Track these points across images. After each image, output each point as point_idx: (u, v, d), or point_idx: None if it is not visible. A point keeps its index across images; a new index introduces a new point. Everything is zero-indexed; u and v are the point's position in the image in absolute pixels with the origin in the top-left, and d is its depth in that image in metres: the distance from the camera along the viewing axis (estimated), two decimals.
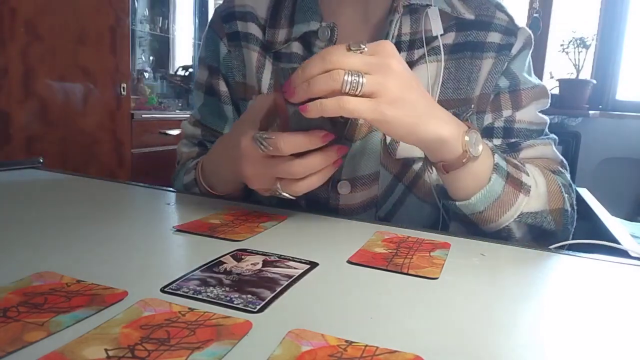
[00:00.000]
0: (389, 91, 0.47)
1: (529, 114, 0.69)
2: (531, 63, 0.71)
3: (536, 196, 0.59)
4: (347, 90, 0.46)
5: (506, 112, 0.68)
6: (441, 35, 0.66)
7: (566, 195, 0.63)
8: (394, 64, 0.48)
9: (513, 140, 0.68)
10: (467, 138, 0.53)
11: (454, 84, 0.67)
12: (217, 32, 0.77)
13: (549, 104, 0.71)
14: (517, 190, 0.57)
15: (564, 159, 0.71)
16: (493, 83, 0.67)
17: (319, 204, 0.69)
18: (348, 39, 0.69)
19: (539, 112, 0.70)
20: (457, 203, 0.57)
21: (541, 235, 0.61)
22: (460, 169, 0.54)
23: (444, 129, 0.51)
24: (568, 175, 0.68)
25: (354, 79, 0.46)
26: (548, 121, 0.71)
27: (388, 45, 0.49)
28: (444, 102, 0.67)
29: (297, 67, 0.49)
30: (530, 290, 0.42)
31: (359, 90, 0.46)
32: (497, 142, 0.69)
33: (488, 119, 0.69)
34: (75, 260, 0.42)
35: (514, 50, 0.68)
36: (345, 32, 0.70)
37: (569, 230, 0.64)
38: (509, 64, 0.68)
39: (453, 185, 0.57)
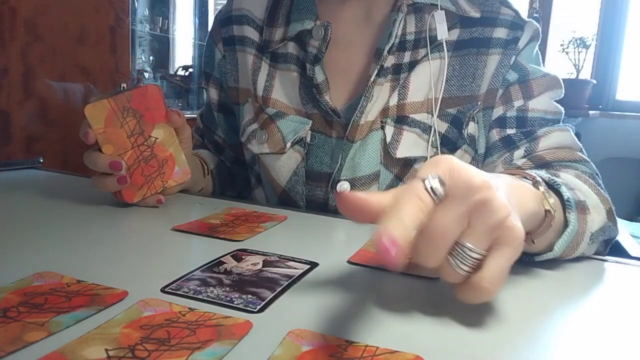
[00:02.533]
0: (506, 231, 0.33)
1: (543, 103, 0.66)
2: (539, 54, 0.70)
3: (593, 207, 0.50)
4: (461, 268, 0.33)
5: (517, 103, 0.66)
6: (447, 36, 0.65)
7: (601, 189, 0.56)
8: (485, 194, 0.32)
9: (527, 129, 0.65)
10: (543, 194, 0.42)
11: (458, 81, 0.67)
12: (214, 37, 0.80)
13: (563, 94, 0.68)
14: (584, 214, 0.48)
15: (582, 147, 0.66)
16: (500, 78, 0.66)
17: (319, 204, 0.69)
18: (347, 37, 0.70)
19: (554, 101, 0.67)
20: (536, 258, 0.46)
21: (608, 244, 0.56)
22: (545, 231, 0.42)
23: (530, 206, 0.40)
24: (592, 163, 0.63)
25: (461, 255, 0.33)
26: (563, 111, 0.68)
27: (451, 163, 0.33)
28: (448, 100, 0.66)
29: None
30: (530, 290, 0.42)
31: (469, 262, 0.33)
32: (511, 131, 0.66)
33: (499, 111, 0.67)
34: (75, 260, 0.42)
35: (520, 44, 0.66)
36: (344, 31, 0.70)
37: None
38: (517, 57, 0.67)
39: (532, 245, 0.44)
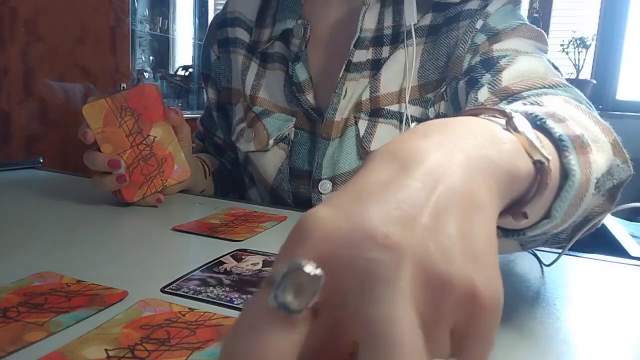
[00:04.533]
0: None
1: (513, 43, 0.57)
2: (521, 15, 0.62)
3: (594, 141, 0.34)
4: None
5: (483, 48, 0.59)
6: (416, 21, 0.63)
7: (598, 117, 0.41)
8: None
9: (491, 64, 0.56)
10: (527, 139, 0.26)
11: (433, 64, 0.65)
12: (209, 39, 0.82)
13: (547, 50, 0.59)
14: (584, 154, 0.30)
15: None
16: (467, 44, 0.61)
17: (305, 201, 0.69)
18: (330, 36, 0.70)
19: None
20: (528, 233, 0.30)
21: (617, 190, 0.39)
22: (541, 192, 0.27)
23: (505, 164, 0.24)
24: (577, 90, 0.49)
25: None
26: (563, 78, 0.53)
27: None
28: (427, 86, 0.65)
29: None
30: (529, 289, 0.42)
31: None
32: (476, 74, 0.57)
33: (465, 65, 0.60)
34: (75, 260, 0.42)
35: (491, 8, 0.61)
36: (328, 30, 0.70)
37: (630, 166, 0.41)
38: (487, 19, 0.60)
39: (524, 220, 0.28)
